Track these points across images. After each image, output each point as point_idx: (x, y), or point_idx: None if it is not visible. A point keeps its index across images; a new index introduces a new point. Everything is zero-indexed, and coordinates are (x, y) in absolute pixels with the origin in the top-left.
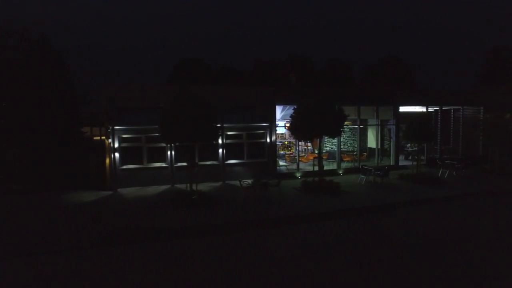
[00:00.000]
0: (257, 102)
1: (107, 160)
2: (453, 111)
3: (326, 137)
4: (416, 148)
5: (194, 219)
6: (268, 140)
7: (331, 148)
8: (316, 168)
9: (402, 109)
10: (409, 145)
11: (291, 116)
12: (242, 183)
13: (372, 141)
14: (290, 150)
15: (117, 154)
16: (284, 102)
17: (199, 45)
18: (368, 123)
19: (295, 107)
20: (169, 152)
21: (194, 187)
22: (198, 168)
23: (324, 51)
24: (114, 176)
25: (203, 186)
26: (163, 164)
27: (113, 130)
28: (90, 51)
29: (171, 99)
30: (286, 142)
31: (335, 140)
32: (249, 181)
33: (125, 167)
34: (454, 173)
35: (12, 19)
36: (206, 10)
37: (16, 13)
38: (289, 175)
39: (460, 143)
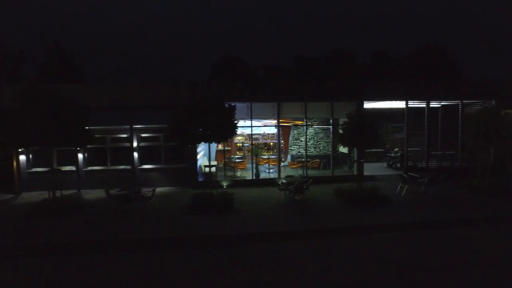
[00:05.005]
0: (176, 100)
1: (14, 163)
2: (461, 106)
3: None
4: (399, 154)
5: (18, 236)
6: None
7: (298, 151)
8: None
9: (373, 105)
10: (396, 149)
11: (170, 117)
12: (108, 192)
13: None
14: (270, 152)
15: (22, 157)
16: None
17: (240, 43)
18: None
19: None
20: (79, 155)
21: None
22: (107, 173)
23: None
24: (18, 179)
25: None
26: (73, 168)
27: None
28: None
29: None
30: (272, 143)
31: (302, 143)
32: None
33: (33, 170)
34: (421, 189)
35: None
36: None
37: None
38: (214, 183)
39: (461, 148)
